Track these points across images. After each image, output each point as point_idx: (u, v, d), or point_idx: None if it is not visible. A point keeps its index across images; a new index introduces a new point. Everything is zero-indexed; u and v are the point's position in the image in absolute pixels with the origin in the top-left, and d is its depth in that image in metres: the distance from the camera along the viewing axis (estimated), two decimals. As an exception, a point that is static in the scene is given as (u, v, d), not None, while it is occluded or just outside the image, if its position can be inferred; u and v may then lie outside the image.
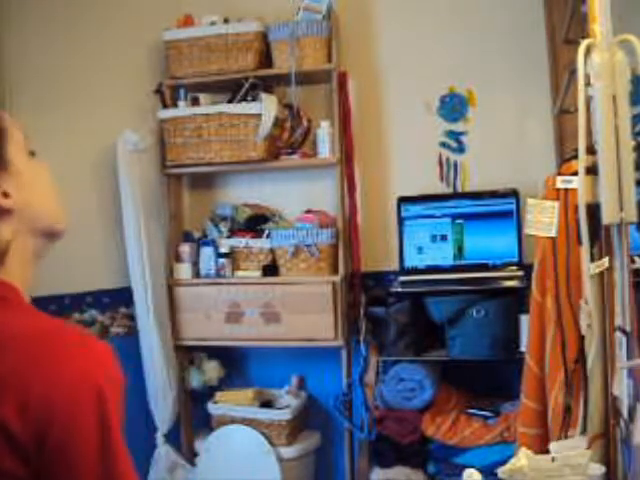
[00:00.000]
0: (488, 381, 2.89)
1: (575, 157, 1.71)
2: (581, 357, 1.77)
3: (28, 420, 0.75)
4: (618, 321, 1.60)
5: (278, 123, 2.97)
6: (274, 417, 2.96)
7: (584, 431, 1.70)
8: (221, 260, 3.03)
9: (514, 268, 2.80)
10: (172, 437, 3.12)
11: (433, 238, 2.93)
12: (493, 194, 2.88)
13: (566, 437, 1.77)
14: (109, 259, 3.12)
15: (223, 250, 3.04)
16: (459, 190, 3.03)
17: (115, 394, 0.81)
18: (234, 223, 3.12)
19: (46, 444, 0.75)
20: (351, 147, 3.08)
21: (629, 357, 1.57)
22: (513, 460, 1.52)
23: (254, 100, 2.96)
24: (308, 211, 3.10)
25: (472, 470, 1.59)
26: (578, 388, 1.79)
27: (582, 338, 1.75)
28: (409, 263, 2.94)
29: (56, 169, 1.05)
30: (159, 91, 3.09)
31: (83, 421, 0.77)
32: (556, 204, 1.86)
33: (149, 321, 3.02)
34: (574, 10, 2.02)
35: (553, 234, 1.87)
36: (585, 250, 1.66)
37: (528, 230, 1.94)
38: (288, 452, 2.95)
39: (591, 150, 1.64)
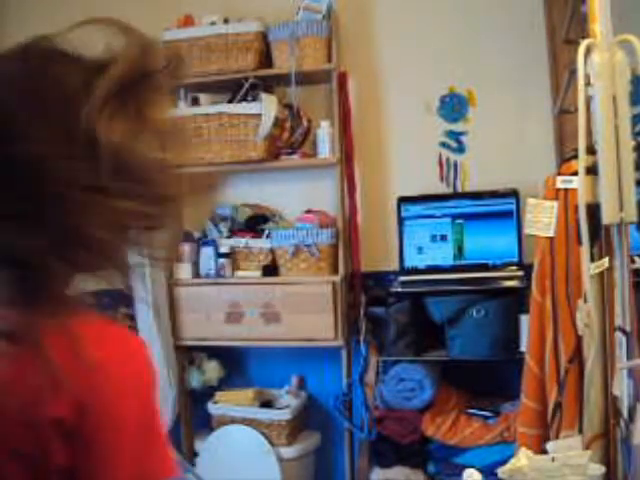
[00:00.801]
0: (488, 381, 2.89)
1: (575, 157, 1.72)
2: (577, 357, 1.77)
3: (74, 408, 0.73)
4: (618, 321, 1.61)
5: (278, 123, 2.97)
6: (274, 417, 2.96)
7: (581, 431, 1.70)
8: (221, 260, 3.03)
9: (514, 268, 2.80)
10: (172, 437, 3.11)
11: (433, 238, 2.93)
12: (493, 194, 2.87)
13: (557, 436, 1.78)
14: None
15: (223, 250, 3.03)
16: (459, 190, 3.03)
17: (154, 384, 0.81)
18: (234, 223, 3.12)
19: (85, 427, 0.73)
20: (351, 147, 3.08)
21: (629, 357, 1.57)
22: (513, 460, 1.52)
23: (254, 100, 2.96)
24: (308, 211, 3.09)
25: (472, 470, 1.59)
26: (573, 388, 1.78)
27: (579, 338, 1.75)
28: (409, 263, 2.94)
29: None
30: (159, 91, 3.09)
31: (125, 402, 0.76)
32: (556, 204, 1.86)
33: (149, 321, 3.02)
34: (574, 10, 2.02)
35: (552, 234, 1.87)
36: (585, 250, 1.66)
37: (528, 230, 1.94)
38: (288, 452, 2.95)
39: (591, 150, 1.64)
